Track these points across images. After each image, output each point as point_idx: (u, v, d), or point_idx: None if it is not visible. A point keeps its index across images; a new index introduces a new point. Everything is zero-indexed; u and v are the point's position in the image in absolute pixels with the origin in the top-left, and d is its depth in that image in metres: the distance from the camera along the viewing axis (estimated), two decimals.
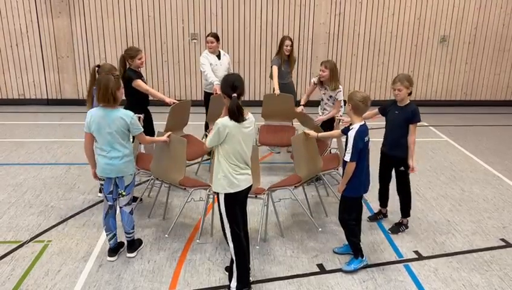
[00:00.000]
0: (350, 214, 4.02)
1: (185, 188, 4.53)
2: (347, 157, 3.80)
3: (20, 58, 9.04)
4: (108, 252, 4.17)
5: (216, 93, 5.78)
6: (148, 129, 5.42)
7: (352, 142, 3.76)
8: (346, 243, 4.19)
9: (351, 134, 3.79)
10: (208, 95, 6.28)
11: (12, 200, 5.22)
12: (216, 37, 6.26)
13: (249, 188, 3.61)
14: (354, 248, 4.07)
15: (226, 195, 3.47)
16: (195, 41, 9.09)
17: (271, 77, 6.52)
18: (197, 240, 4.45)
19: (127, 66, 5.24)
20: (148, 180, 5.20)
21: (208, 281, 3.88)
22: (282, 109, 6.20)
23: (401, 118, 4.33)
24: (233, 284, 3.65)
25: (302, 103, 5.86)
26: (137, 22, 8.93)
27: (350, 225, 4.03)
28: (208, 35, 6.25)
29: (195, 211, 5.02)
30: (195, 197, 5.06)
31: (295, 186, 4.57)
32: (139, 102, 5.28)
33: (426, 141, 7.50)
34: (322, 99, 5.67)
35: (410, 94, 4.35)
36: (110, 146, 3.83)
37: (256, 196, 4.38)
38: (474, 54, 9.61)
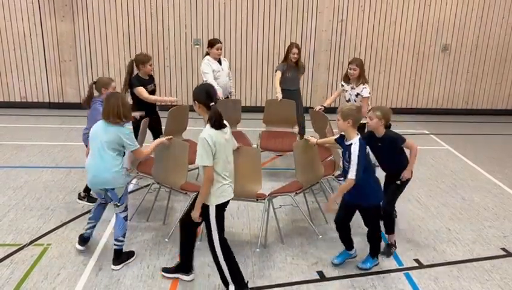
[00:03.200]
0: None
1: (186, 193, 4.53)
2: (351, 175, 3.64)
3: (23, 61, 9.06)
4: (79, 239, 4.24)
5: (218, 98, 5.80)
6: (156, 130, 5.58)
7: (356, 159, 3.63)
8: (342, 251, 4.23)
9: (355, 151, 3.65)
10: None
11: (12, 203, 5.21)
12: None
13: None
14: (377, 248, 4.19)
15: (217, 206, 3.51)
16: (197, 46, 9.12)
17: None
18: (198, 242, 4.44)
19: (135, 72, 5.39)
20: (148, 184, 5.18)
21: (207, 286, 3.87)
22: (284, 114, 6.20)
23: (385, 148, 4.22)
24: (232, 288, 3.65)
25: (325, 104, 5.69)
26: (140, 26, 8.96)
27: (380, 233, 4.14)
28: (217, 42, 6.18)
29: None
30: None
31: (296, 193, 4.57)
32: (145, 104, 5.37)
33: (427, 149, 7.49)
34: (349, 100, 5.54)
35: (388, 127, 4.17)
36: (100, 156, 3.86)
37: (257, 199, 4.40)
38: (475, 63, 9.63)
